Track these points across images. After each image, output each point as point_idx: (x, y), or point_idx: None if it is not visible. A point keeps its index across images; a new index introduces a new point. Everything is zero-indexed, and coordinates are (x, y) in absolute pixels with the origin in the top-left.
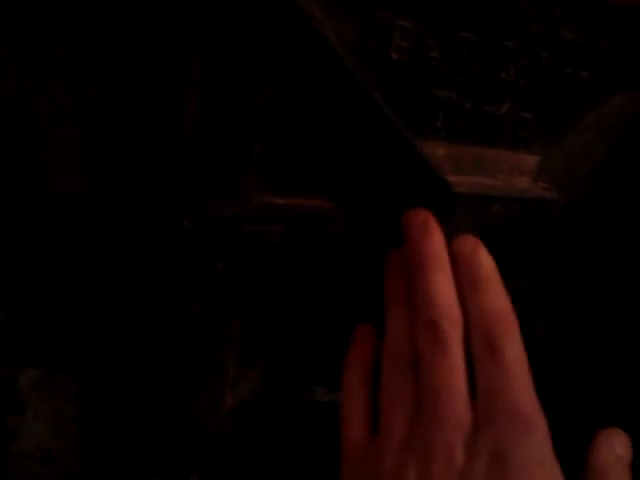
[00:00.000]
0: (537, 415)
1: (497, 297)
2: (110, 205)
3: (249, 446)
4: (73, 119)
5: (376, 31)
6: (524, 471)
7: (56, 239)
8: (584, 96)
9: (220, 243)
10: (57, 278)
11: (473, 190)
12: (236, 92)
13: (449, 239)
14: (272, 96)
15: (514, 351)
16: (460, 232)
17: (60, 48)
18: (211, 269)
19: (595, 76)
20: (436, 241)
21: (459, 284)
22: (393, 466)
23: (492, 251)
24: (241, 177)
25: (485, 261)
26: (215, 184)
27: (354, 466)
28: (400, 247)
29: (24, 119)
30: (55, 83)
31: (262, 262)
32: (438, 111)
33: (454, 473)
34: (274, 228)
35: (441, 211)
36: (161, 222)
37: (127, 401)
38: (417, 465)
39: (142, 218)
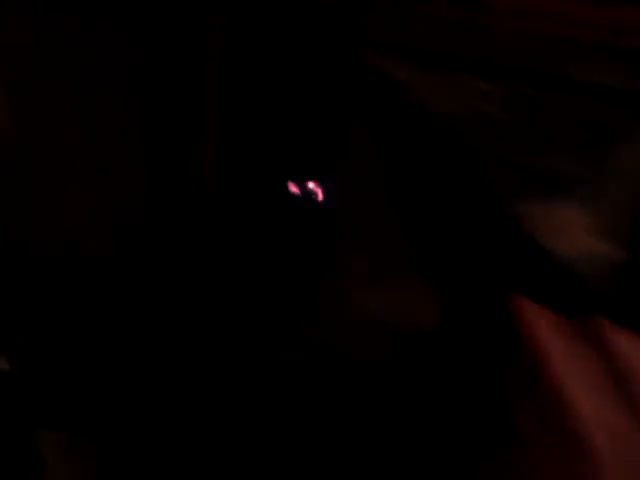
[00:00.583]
0: None
1: None
2: (131, 267)
3: None
4: (96, 179)
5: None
6: None
7: (78, 302)
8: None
9: None
10: (80, 341)
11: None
12: None
13: None
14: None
15: None
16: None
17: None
18: None
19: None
20: None
21: None
22: None
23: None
24: None
25: None
26: None
27: None
28: None
29: (46, 177)
30: (79, 144)
31: None
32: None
33: None
34: None
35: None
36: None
37: (146, 468)
38: None
39: (163, 284)
